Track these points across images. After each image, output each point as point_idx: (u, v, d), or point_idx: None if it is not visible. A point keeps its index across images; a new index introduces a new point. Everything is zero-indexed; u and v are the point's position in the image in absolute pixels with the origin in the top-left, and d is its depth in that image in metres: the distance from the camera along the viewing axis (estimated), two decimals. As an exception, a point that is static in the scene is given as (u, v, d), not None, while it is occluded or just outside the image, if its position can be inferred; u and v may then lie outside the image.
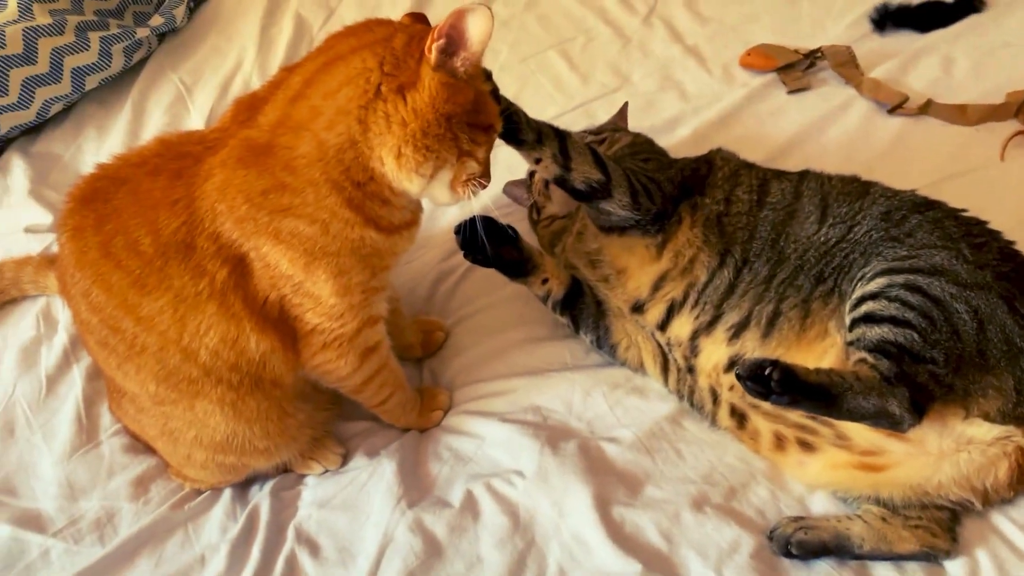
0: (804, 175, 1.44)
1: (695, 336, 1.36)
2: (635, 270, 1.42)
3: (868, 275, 1.25)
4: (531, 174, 1.71)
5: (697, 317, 1.36)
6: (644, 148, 1.57)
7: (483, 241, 1.41)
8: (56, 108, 2.03)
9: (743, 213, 1.39)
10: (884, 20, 2.05)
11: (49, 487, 1.43)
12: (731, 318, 1.33)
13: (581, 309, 1.49)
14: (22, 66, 1.91)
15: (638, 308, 1.41)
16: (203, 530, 1.37)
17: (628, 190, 1.34)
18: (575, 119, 1.90)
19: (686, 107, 1.94)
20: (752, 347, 1.31)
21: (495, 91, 1.22)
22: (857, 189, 1.39)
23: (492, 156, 1.83)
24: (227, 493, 1.42)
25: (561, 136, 1.33)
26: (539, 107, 1.98)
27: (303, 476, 1.44)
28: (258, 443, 1.31)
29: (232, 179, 1.13)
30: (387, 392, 1.40)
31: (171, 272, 1.16)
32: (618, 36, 2.16)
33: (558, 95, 2.03)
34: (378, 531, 1.30)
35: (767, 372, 1.11)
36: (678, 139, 1.86)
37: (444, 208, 1.78)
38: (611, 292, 1.45)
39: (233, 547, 1.31)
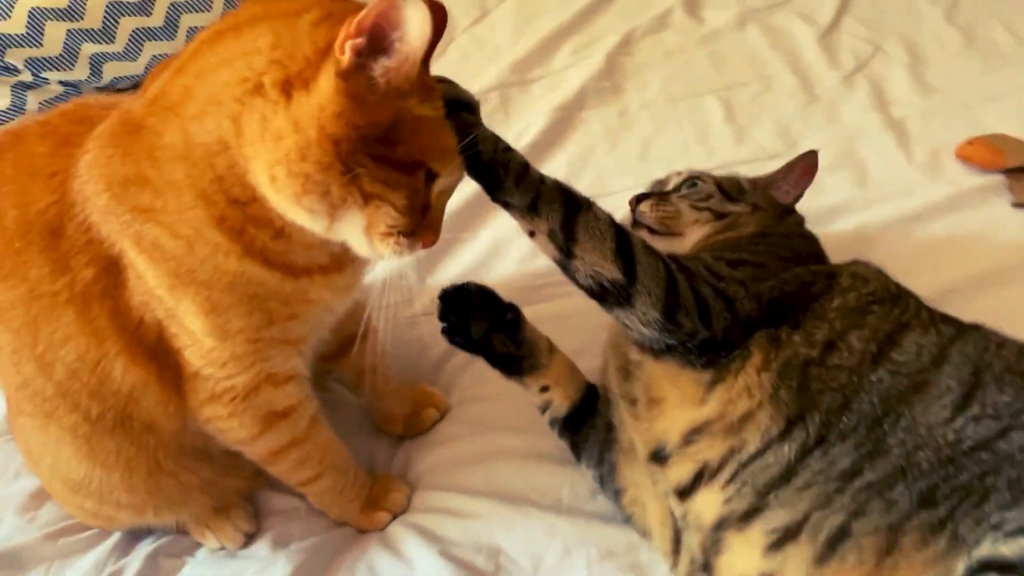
0: (967, 330, 0.93)
1: (721, 525, 0.90)
2: (672, 407, 0.97)
3: (1011, 526, 0.74)
4: (635, 199, 1.27)
5: (730, 500, 0.90)
6: (767, 247, 1.11)
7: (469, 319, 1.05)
8: (169, 66, 1.92)
9: (845, 368, 0.90)
10: None
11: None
12: (776, 517, 0.86)
13: (587, 434, 1.08)
14: (134, 15, 1.81)
15: (659, 456, 0.98)
16: (64, 573, 1.12)
17: (661, 301, 0.90)
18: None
19: (859, 195, 1.44)
20: (796, 570, 0.84)
21: (467, 123, 0.86)
22: None
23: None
24: (115, 537, 1.16)
25: (572, 204, 0.92)
26: (666, 159, 1.58)
27: (199, 544, 1.15)
28: (121, 496, 1.04)
29: (99, 158, 0.87)
30: (308, 473, 1.08)
31: (29, 259, 0.91)
32: (803, 91, 1.69)
33: (697, 149, 1.60)
34: (221, 653, 0.98)
35: None
36: (833, 232, 1.37)
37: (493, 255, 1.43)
38: (634, 422, 1.02)
39: (69, 610, 1.05)
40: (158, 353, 0.95)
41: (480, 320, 1.06)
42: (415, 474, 1.20)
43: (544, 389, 1.09)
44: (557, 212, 0.91)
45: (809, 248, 1.13)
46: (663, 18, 1.93)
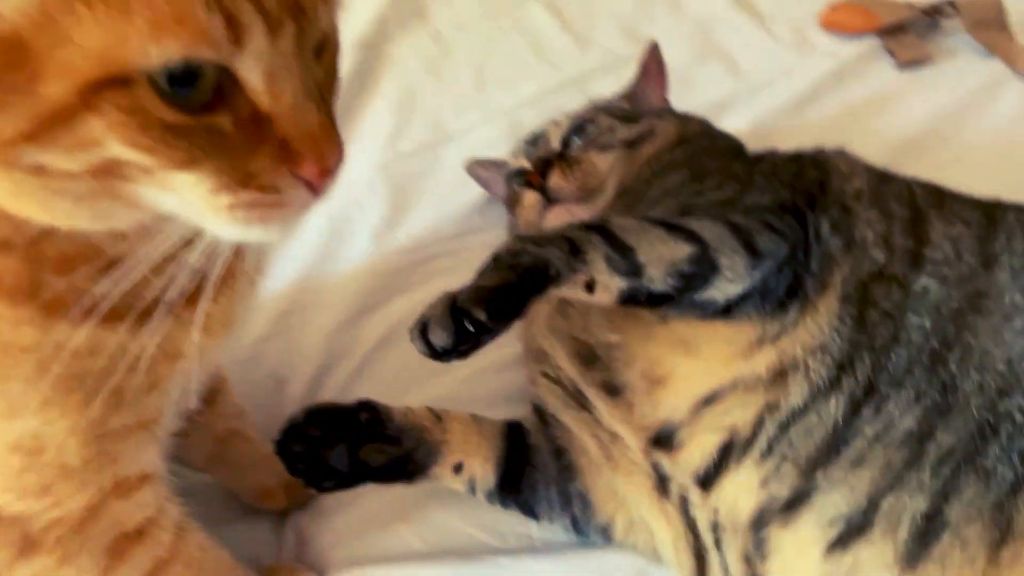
0: (994, 210, 0.75)
1: (762, 520, 0.67)
2: (683, 376, 0.72)
3: None
4: (516, 172, 1.00)
5: (767, 481, 0.67)
6: (703, 154, 0.90)
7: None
8: None
9: (887, 276, 0.70)
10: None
11: None
12: (832, 504, 0.64)
13: (533, 482, 0.81)
14: None
15: (664, 440, 0.73)
16: None
17: (739, 241, 0.70)
18: (568, 100, 1.20)
19: (738, 85, 1.26)
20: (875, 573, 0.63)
21: None
22: None
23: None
24: None
25: (600, 227, 0.70)
26: (510, 82, 1.32)
27: None
28: None
29: None
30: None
31: None
32: (634, -15, 1.48)
33: (541, 66, 1.35)
34: None
35: None
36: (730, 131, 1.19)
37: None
38: (625, 412, 0.76)
39: None
40: None
41: (336, 444, 0.76)
42: (317, 552, 0.87)
43: (458, 468, 0.80)
44: (595, 237, 0.69)
45: (728, 141, 0.96)
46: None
